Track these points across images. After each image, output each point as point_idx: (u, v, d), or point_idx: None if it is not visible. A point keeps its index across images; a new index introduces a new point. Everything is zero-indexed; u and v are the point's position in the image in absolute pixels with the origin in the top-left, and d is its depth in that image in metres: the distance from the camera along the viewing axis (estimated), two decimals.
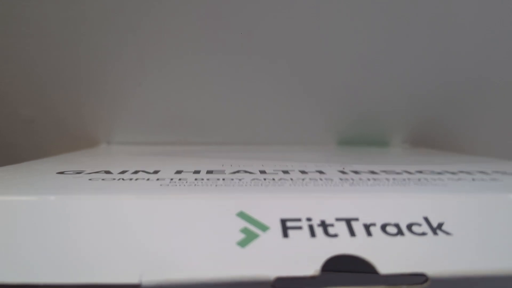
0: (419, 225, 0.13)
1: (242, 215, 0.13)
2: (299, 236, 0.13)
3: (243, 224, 0.13)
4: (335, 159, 0.26)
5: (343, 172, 0.19)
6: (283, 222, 0.13)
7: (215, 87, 0.41)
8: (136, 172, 0.19)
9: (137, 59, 0.40)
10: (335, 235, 0.13)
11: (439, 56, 0.41)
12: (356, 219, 0.13)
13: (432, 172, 0.19)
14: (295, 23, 0.40)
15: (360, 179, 0.17)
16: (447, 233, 0.13)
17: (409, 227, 0.13)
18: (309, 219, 0.13)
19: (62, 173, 0.19)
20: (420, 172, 0.19)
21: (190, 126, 0.42)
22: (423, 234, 0.13)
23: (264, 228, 0.13)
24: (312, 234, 0.13)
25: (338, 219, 0.13)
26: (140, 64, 0.40)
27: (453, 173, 0.19)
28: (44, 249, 0.13)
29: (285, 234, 0.13)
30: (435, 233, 0.13)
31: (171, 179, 0.17)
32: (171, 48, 0.40)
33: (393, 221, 0.13)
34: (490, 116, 0.44)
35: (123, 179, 0.17)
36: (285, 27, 0.40)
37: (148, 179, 0.17)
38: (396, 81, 0.42)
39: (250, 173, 0.19)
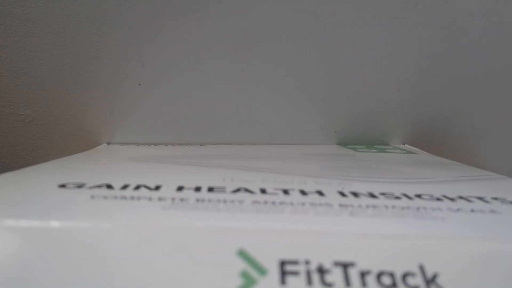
0: (414, 275, 0.13)
1: (242, 254, 0.13)
2: (296, 285, 0.13)
3: (243, 266, 0.13)
4: (334, 172, 0.26)
5: (342, 194, 0.19)
6: (282, 264, 0.13)
7: (214, 88, 0.41)
8: (137, 187, 0.19)
9: (138, 59, 0.40)
10: (330, 285, 0.13)
11: (440, 57, 0.41)
12: (353, 264, 0.13)
13: (431, 198, 0.19)
14: (295, 23, 0.40)
15: (360, 206, 0.17)
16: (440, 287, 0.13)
17: (404, 277, 0.13)
18: (307, 262, 0.13)
19: (63, 186, 0.19)
20: (419, 196, 0.19)
21: (190, 126, 0.42)
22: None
23: (262, 272, 0.13)
24: (309, 282, 0.13)
25: (336, 263, 0.13)
26: (140, 64, 0.40)
27: (452, 199, 0.19)
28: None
29: (283, 281, 0.13)
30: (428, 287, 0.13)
31: (173, 200, 0.17)
32: (172, 49, 0.40)
33: (389, 268, 0.13)
34: (491, 116, 0.44)
35: (125, 198, 0.17)
36: (285, 27, 0.40)
37: (150, 199, 0.17)
38: (396, 81, 0.42)
39: (251, 192, 0.19)
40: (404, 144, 0.44)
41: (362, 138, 0.44)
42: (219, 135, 0.43)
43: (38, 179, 0.21)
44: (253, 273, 0.13)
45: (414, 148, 0.42)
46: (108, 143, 0.42)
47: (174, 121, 0.42)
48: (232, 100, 0.42)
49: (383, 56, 0.41)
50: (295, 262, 0.13)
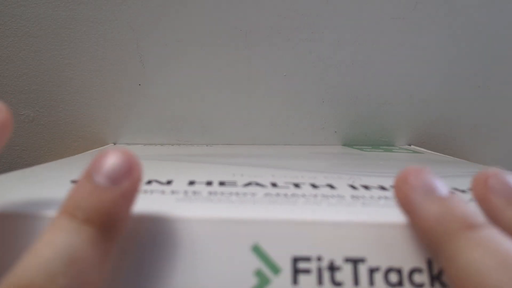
0: (420, 271, 0.13)
1: (257, 250, 0.14)
2: (307, 284, 0.13)
3: (257, 264, 0.14)
4: (343, 168, 0.26)
5: (353, 187, 0.19)
6: (295, 261, 0.14)
7: (218, 89, 0.41)
8: (149, 182, 0.19)
9: (139, 60, 0.40)
10: (340, 284, 0.13)
11: (443, 58, 0.42)
12: (363, 260, 0.14)
13: None
14: (295, 23, 0.40)
15: (371, 197, 0.17)
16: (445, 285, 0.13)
17: (411, 274, 0.13)
18: (319, 258, 0.14)
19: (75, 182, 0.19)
20: None
21: (194, 127, 0.42)
22: (421, 286, 0.13)
23: (276, 270, 0.13)
24: (320, 281, 0.13)
25: (347, 260, 0.14)
26: (141, 66, 0.40)
27: (463, 191, 0.19)
28: None
29: (295, 281, 0.13)
30: (432, 285, 0.13)
31: (185, 193, 0.17)
32: (173, 50, 0.40)
33: (397, 264, 0.14)
34: (492, 117, 0.45)
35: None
36: (285, 27, 0.40)
37: (162, 192, 0.17)
38: (401, 83, 0.42)
39: (262, 186, 0.19)
40: (410, 145, 0.45)
41: (367, 140, 0.44)
42: (223, 136, 0.43)
43: (50, 176, 0.21)
44: (267, 272, 0.13)
45: (420, 149, 0.42)
46: (114, 143, 0.42)
47: (178, 122, 0.42)
48: (232, 100, 0.42)
49: (383, 56, 0.41)
50: (307, 259, 0.14)
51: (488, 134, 0.45)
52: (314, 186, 0.20)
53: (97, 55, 0.40)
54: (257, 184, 0.20)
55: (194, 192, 0.18)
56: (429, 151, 0.40)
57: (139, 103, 0.41)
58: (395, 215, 0.14)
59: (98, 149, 0.38)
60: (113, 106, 0.41)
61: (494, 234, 0.11)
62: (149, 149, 0.37)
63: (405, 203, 0.13)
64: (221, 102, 0.42)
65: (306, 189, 0.19)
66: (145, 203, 0.15)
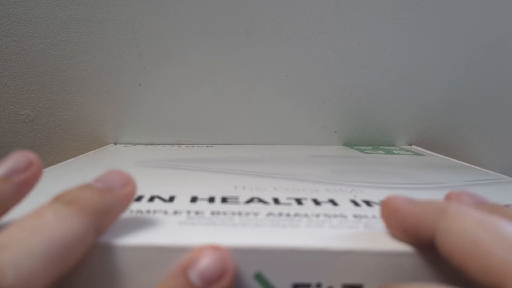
0: None
1: (258, 277, 0.14)
2: None
3: None
4: (344, 176, 0.26)
5: (355, 204, 0.20)
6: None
7: (217, 89, 0.41)
8: (152, 199, 0.20)
9: (139, 60, 0.40)
10: None
11: (443, 58, 0.42)
12: (361, 287, 0.14)
13: None
14: (295, 23, 0.40)
15: (374, 216, 0.17)
16: None
17: None
18: (318, 285, 0.14)
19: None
20: None
21: (194, 127, 0.42)
22: None
23: None
24: None
25: (345, 286, 0.14)
26: (141, 66, 0.40)
27: None
28: None
29: None
30: None
31: (188, 213, 0.17)
32: (173, 50, 0.40)
33: None
34: (492, 117, 0.45)
35: (141, 212, 0.18)
36: (285, 27, 0.40)
37: (165, 212, 0.18)
38: (401, 83, 0.42)
39: (264, 203, 0.19)
40: (410, 145, 0.45)
41: (368, 140, 0.45)
42: (222, 136, 0.43)
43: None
44: None
45: (421, 149, 0.43)
46: (115, 143, 0.42)
47: (178, 122, 0.42)
48: (232, 100, 0.42)
49: (383, 56, 0.41)
50: (307, 286, 0.14)
51: (488, 134, 0.45)
52: (316, 202, 0.20)
53: (97, 55, 0.40)
54: (259, 200, 0.20)
55: (197, 213, 0.18)
56: (430, 152, 0.40)
57: (139, 103, 0.41)
58: (395, 244, 0.14)
59: (98, 149, 0.38)
60: (113, 106, 0.41)
61: (468, 208, 0.13)
62: (149, 152, 0.37)
63: (392, 210, 0.15)
64: (221, 102, 0.42)
65: (309, 206, 0.19)
66: (149, 228, 0.16)
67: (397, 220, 0.15)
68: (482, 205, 0.16)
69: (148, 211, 0.18)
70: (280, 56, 0.41)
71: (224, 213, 0.18)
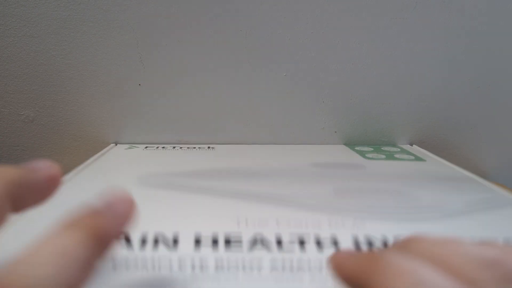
0: None
1: None
2: None
3: None
4: (347, 200, 0.26)
5: (357, 245, 0.20)
6: None
7: (218, 89, 0.41)
8: (156, 242, 0.20)
9: (139, 60, 0.40)
10: None
11: (443, 58, 0.42)
12: None
13: None
14: (295, 23, 0.40)
15: None
16: None
17: None
18: None
19: None
20: None
21: (194, 127, 0.42)
22: None
23: None
24: None
25: None
26: (141, 66, 0.40)
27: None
28: None
29: None
30: None
31: (193, 267, 0.18)
32: (173, 50, 0.40)
33: None
34: (492, 117, 0.45)
35: (146, 265, 0.18)
36: (285, 27, 0.40)
37: (170, 268, 0.18)
38: (401, 83, 0.43)
39: (267, 247, 0.20)
40: (411, 145, 0.45)
41: (369, 139, 0.45)
42: (221, 135, 0.43)
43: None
44: None
45: (422, 150, 0.43)
46: (116, 144, 0.42)
47: (178, 122, 0.42)
48: (232, 100, 0.42)
49: (383, 56, 0.41)
50: None
51: (488, 134, 0.45)
52: (319, 244, 0.20)
53: (97, 55, 0.40)
54: (262, 243, 0.20)
55: (201, 267, 0.18)
56: (431, 155, 0.40)
57: (139, 103, 0.41)
58: None
59: (100, 152, 0.38)
60: (113, 106, 0.41)
61: (399, 261, 0.14)
62: (150, 157, 0.37)
63: (336, 266, 0.16)
64: (221, 102, 0.42)
65: (311, 251, 0.20)
66: None
67: (341, 274, 0.15)
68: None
69: (153, 261, 0.18)
70: (280, 56, 0.41)
71: (228, 263, 0.18)
